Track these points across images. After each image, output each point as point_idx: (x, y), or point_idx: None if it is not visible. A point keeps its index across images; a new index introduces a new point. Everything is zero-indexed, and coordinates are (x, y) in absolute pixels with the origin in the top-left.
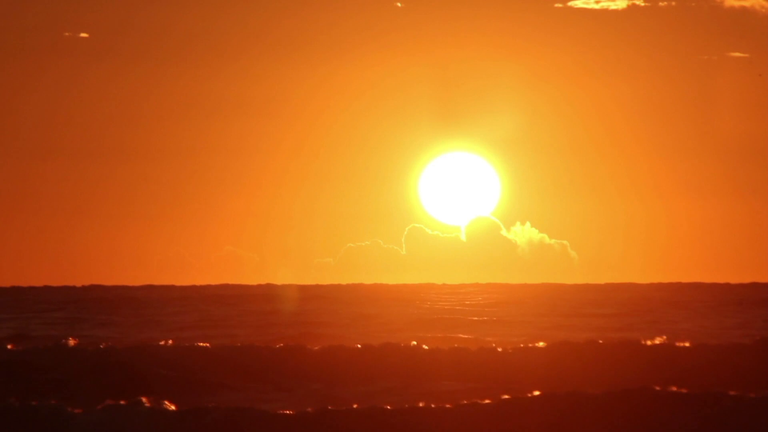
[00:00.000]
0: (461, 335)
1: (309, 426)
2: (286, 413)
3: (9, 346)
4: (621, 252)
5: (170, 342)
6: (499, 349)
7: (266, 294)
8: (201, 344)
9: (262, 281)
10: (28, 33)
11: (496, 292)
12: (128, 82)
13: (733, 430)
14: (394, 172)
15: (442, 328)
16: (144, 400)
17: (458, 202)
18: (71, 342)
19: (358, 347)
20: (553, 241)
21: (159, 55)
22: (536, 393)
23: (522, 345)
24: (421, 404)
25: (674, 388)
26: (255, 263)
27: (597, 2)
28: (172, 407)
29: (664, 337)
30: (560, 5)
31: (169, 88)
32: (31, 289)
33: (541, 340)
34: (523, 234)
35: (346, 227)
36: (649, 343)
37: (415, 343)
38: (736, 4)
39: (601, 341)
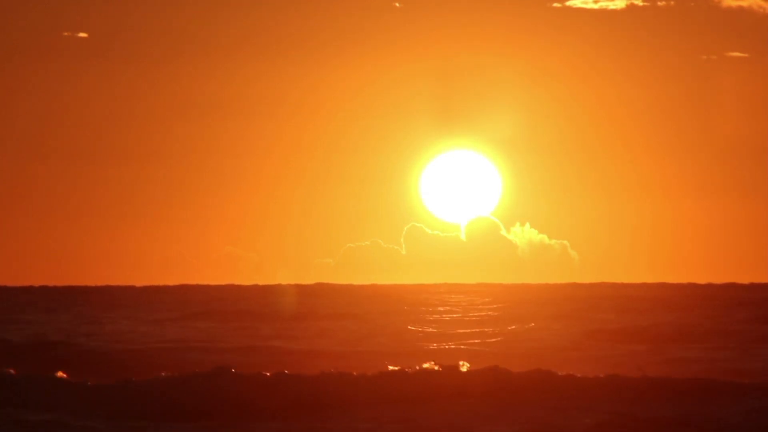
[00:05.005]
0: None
1: None
2: None
3: None
4: (621, 252)
5: None
6: None
7: None
8: None
9: (262, 282)
10: (27, 33)
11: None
12: (127, 82)
13: None
14: (394, 172)
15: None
16: None
17: (459, 200)
18: None
19: None
20: (553, 241)
21: (158, 55)
22: None
23: None
24: None
25: None
26: (255, 263)
27: (595, 2)
28: None
29: None
30: (558, 5)
31: (168, 88)
32: (31, 289)
33: None
34: (523, 235)
35: (345, 227)
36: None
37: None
38: (734, 4)
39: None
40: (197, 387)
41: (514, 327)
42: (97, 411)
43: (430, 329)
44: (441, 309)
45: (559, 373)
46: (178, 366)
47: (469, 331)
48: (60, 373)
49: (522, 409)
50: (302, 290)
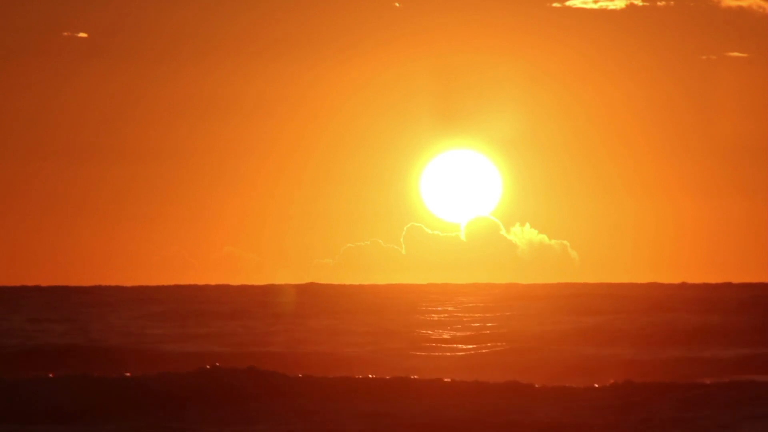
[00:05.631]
0: None
1: None
2: None
3: None
4: (622, 252)
5: None
6: None
7: None
8: None
9: (262, 282)
10: (27, 32)
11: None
12: (127, 81)
13: None
14: (394, 171)
15: None
16: None
17: (460, 200)
18: None
19: None
20: (553, 241)
21: (158, 55)
22: None
23: None
24: None
25: None
26: (254, 264)
27: (595, 2)
28: None
29: None
30: (558, 5)
31: (168, 88)
32: (29, 289)
33: None
34: (523, 235)
35: (345, 227)
36: None
37: None
38: (734, 4)
39: None
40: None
41: (460, 327)
42: None
43: (368, 330)
44: (421, 309)
45: (294, 376)
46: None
47: (413, 332)
48: None
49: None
50: (284, 290)
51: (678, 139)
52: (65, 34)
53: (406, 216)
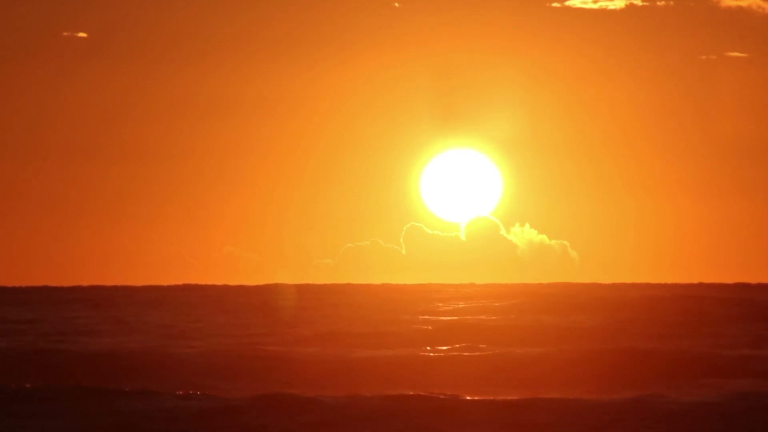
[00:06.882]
0: None
1: None
2: None
3: None
4: (622, 252)
5: None
6: None
7: None
8: None
9: (262, 282)
10: (27, 32)
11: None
12: (127, 82)
13: None
14: (394, 171)
15: None
16: None
17: (460, 200)
18: None
19: None
20: (553, 241)
21: (158, 55)
22: None
23: None
24: None
25: None
26: (254, 264)
27: (595, 2)
28: None
29: None
30: (558, 5)
31: (168, 88)
32: (29, 289)
33: None
34: (523, 235)
35: (345, 227)
36: None
37: None
38: (734, 4)
39: None
40: None
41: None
42: None
43: (276, 329)
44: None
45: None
46: None
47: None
48: None
49: None
50: (264, 290)
51: (678, 139)
52: (65, 34)
53: (406, 216)
